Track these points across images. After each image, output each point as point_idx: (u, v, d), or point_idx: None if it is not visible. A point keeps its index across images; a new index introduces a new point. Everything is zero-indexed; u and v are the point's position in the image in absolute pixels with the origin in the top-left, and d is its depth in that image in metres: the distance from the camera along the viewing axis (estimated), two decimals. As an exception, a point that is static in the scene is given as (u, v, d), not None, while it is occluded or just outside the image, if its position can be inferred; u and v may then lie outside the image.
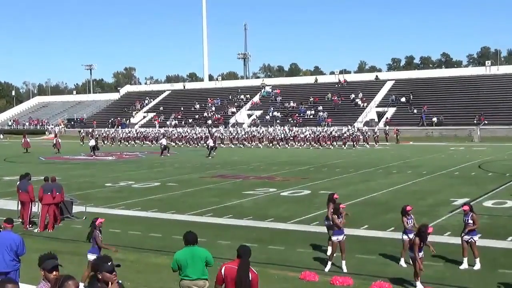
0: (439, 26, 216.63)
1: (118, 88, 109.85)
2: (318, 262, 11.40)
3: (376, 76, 78.18)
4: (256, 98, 78.13)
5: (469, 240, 10.88)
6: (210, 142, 40.36)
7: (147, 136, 59.29)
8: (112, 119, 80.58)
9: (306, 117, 67.90)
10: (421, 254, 9.49)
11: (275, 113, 70.72)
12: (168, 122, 73.59)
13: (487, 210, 16.90)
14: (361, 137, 49.08)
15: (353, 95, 70.33)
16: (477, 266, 10.77)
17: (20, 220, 15.72)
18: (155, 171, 30.04)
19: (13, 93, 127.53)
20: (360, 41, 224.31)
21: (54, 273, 5.20)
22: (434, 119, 59.01)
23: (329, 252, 11.39)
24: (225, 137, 54.23)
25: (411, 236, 10.25)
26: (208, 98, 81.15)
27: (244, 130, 56.05)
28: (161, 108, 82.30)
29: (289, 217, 16.23)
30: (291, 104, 72.33)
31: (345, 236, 10.96)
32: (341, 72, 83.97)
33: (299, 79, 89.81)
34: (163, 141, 43.21)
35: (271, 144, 50.14)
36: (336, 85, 75.87)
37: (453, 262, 11.11)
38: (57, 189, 15.53)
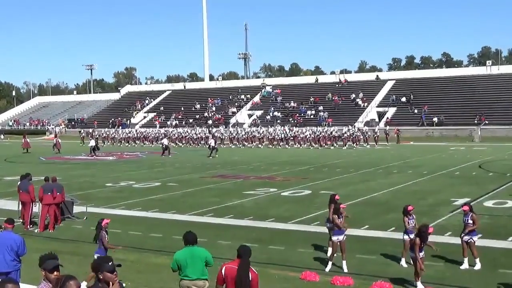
0: (439, 26, 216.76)
1: (119, 88, 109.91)
2: (319, 262, 11.40)
3: (377, 76, 78.16)
4: (257, 98, 78.13)
5: (469, 240, 10.88)
6: (212, 142, 40.39)
7: (147, 137, 59.31)
8: (112, 119, 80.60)
9: (306, 117, 67.88)
10: (421, 254, 9.50)
11: (275, 113, 70.71)
12: (168, 122, 73.60)
13: (488, 210, 16.91)
14: (361, 137, 49.09)
15: (353, 95, 70.32)
16: (478, 266, 10.77)
17: (21, 220, 15.73)
18: (155, 171, 30.06)
19: (14, 93, 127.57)
20: (360, 41, 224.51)
21: (55, 273, 5.21)
22: (435, 119, 58.99)
23: (329, 253, 11.40)
24: (225, 137, 54.23)
25: (412, 236, 10.26)
26: (209, 98, 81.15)
27: (244, 130, 56.05)
28: (162, 108, 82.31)
29: (290, 217, 16.24)
30: (292, 104, 72.32)
31: (345, 236, 10.96)
32: (341, 72, 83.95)
33: (300, 79, 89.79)
34: (165, 141, 43.25)
35: (271, 145, 50.14)
36: (337, 85, 75.86)
37: (454, 262, 11.12)
38: (57, 189, 15.54)
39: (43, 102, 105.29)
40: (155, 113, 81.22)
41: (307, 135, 50.16)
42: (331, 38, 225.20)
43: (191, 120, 73.64)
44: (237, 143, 52.50)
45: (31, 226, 15.58)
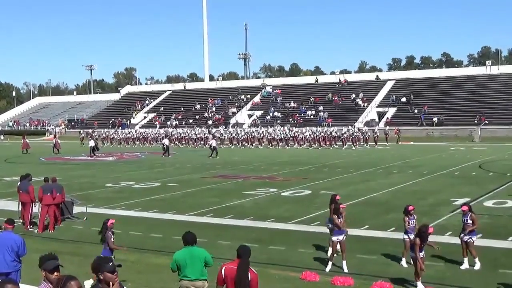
0: (439, 26, 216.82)
1: (119, 89, 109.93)
2: (319, 262, 11.40)
3: (377, 76, 78.17)
4: (257, 98, 78.13)
5: (468, 240, 10.88)
6: (213, 143, 40.40)
7: (147, 137, 59.30)
8: (112, 119, 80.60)
9: (306, 117, 67.88)
10: (422, 254, 9.50)
11: (275, 113, 70.72)
12: (168, 123, 73.63)
13: (488, 210, 16.91)
14: (361, 137, 49.10)
15: (353, 95, 70.32)
16: (477, 266, 10.77)
17: (21, 221, 15.72)
18: (155, 172, 30.06)
19: (14, 93, 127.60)
20: (360, 41, 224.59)
21: (56, 273, 5.20)
22: (435, 119, 58.99)
23: (329, 253, 11.40)
24: (225, 138, 54.22)
25: (412, 236, 10.26)
26: (209, 98, 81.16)
27: (244, 131, 56.06)
28: (162, 109, 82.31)
29: (290, 217, 16.23)
30: (292, 104, 72.32)
31: (345, 236, 10.96)
32: (341, 72, 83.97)
33: (300, 79, 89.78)
34: (166, 141, 43.27)
35: (270, 145, 50.13)
36: (337, 85, 75.86)
37: (454, 262, 11.11)
38: (57, 190, 15.54)
39: (43, 103, 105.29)
40: (155, 114, 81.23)
41: (306, 135, 50.17)
42: (331, 38, 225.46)
43: (191, 121, 73.64)
44: (237, 144, 52.51)
45: (31, 226, 15.57)
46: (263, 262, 11.04)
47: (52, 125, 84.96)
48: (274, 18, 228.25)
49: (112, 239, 9.82)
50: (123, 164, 36.03)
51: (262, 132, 53.15)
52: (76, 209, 17.19)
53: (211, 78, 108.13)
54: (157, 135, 59.28)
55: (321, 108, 68.85)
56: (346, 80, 76.70)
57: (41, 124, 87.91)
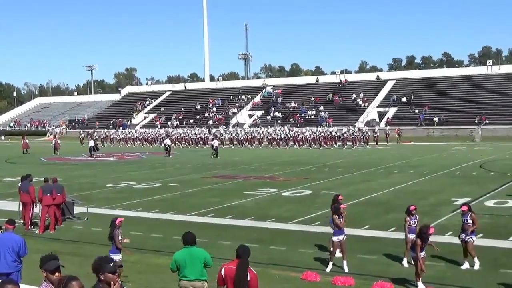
0: (440, 25, 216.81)
1: (119, 89, 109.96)
2: (320, 262, 11.40)
3: (377, 76, 78.15)
4: (257, 99, 78.13)
5: (468, 240, 10.87)
6: (215, 143, 40.44)
7: (147, 138, 59.31)
8: (113, 120, 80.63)
9: (307, 117, 67.89)
10: (423, 254, 9.50)
11: (276, 113, 70.72)
12: (169, 123, 73.66)
13: (489, 209, 16.89)
14: (360, 137, 49.09)
15: (354, 95, 70.32)
16: (477, 265, 10.76)
17: (22, 221, 15.73)
18: (156, 172, 30.06)
19: (14, 94, 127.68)
20: (361, 41, 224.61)
21: (57, 274, 5.20)
22: (435, 119, 58.97)
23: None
24: (225, 138, 54.22)
25: (413, 236, 10.26)
26: (209, 99, 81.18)
27: (244, 131, 56.08)
28: (162, 109, 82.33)
29: (291, 217, 16.23)
30: (292, 104, 72.33)
31: (345, 236, 10.96)
32: (342, 72, 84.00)
33: (300, 79, 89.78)
34: (167, 142, 43.28)
35: (270, 145, 50.14)
36: (337, 85, 75.87)
37: (455, 262, 11.10)
38: (57, 190, 15.55)
39: (44, 103, 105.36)
40: (155, 114, 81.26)
41: (306, 135, 50.18)
42: (331, 38, 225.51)
43: (191, 121, 73.67)
44: (237, 144, 52.51)
45: (31, 227, 15.58)
46: (263, 262, 11.05)
47: (53, 126, 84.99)
48: (275, 18, 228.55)
49: (119, 237, 9.84)
50: (124, 164, 36.04)
51: (262, 132, 53.16)
52: (77, 210, 17.19)
53: (212, 78, 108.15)
54: (157, 135, 59.31)
55: (321, 108, 68.86)
56: (346, 80, 76.71)
57: (41, 125, 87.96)
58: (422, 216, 13.91)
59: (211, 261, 7.80)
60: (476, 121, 56.23)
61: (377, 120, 62.98)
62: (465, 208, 11.12)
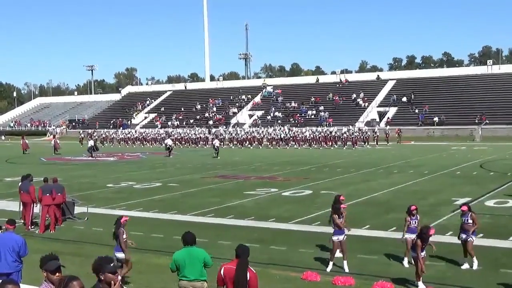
0: (440, 25, 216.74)
1: (120, 89, 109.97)
2: (320, 262, 11.40)
3: (378, 75, 78.14)
4: (258, 98, 78.14)
5: (468, 240, 10.87)
6: (216, 143, 40.47)
7: (147, 138, 59.31)
8: (113, 120, 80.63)
9: (307, 117, 67.89)
10: (423, 254, 9.51)
11: (276, 113, 70.72)
12: (169, 123, 73.67)
13: (489, 209, 16.89)
14: (360, 136, 49.07)
15: (354, 95, 70.31)
16: (475, 265, 10.75)
17: (22, 221, 15.73)
18: (156, 172, 30.07)
19: (15, 94, 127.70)
20: (361, 41, 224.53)
21: (57, 274, 5.20)
22: (436, 118, 58.97)
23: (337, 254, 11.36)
24: (225, 138, 54.23)
25: (413, 236, 10.27)
26: (210, 99, 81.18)
27: (244, 131, 56.09)
28: (163, 109, 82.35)
29: (291, 217, 16.23)
30: (293, 104, 72.33)
31: (345, 236, 10.96)
32: (342, 72, 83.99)
33: (300, 79, 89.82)
34: (168, 141, 43.28)
35: (270, 145, 50.14)
36: (337, 85, 75.87)
37: (455, 262, 11.10)
38: (58, 190, 15.55)
39: (44, 103, 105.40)
40: (156, 114, 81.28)
41: (306, 135, 50.18)
42: (331, 38, 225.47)
43: (191, 121, 73.68)
44: (237, 144, 52.51)
45: (32, 227, 15.58)
46: (264, 262, 11.05)
47: (53, 126, 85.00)
48: (275, 18, 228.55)
49: (124, 235, 9.84)
50: (124, 164, 36.04)
51: (262, 132, 53.17)
52: (77, 209, 17.19)
53: (212, 78, 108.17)
54: (156, 135, 59.31)
55: (321, 108, 68.85)
56: (346, 80, 76.70)
57: (42, 125, 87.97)
58: (422, 216, 13.89)
59: (211, 261, 7.80)
60: (476, 121, 56.22)
61: (377, 120, 62.98)
62: (465, 208, 11.13)
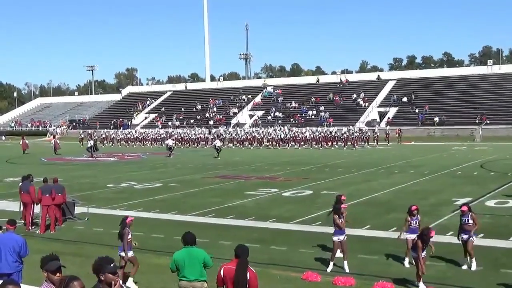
0: (440, 25, 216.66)
1: (120, 89, 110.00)
2: (320, 263, 11.39)
3: (378, 76, 78.11)
4: (258, 99, 78.13)
5: (468, 239, 10.86)
6: (217, 143, 40.46)
7: (147, 138, 59.30)
8: (114, 120, 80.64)
9: (307, 117, 67.88)
10: (423, 254, 9.51)
11: (276, 113, 70.72)
12: (170, 123, 73.69)
13: (489, 209, 16.89)
14: (360, 137, 49.06)
15: (354, 95, 70.30)
16: (473, 266, 10.74)
17: (23, 221, 15.73)
18: (157, 172, 30.07)
19: (15, 94, 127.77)
20: (361, 41, 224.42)
21: (58, 274, 5.20)
22: (436, 118, 58.94)
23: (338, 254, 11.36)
24: (224, 138, 54.22)
25: (413, 236, 10.26)
26: (210, 99, 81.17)
27: (244, 131, 56.09)
28: (163, 109, 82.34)
29: (291, 217, 16.23)
30: (293, 104, 72.32)
31: (346, 237, 10.95)
32: (342, 72, 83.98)
33: (301, 79, 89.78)
34: (169, 142, 43.29)
35: (270, 145, 50.12)
36: (338, 85, 75.85)
37: (455, 262, 11.10)
38: (58, 190, 15.55)
39: (45, 103, 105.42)
40: (156, 114, 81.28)
41: (306, 135, 50.19)
42: (332, 38, 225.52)
43: (192, 121, 73.68)
44: (238, 144, 52.51)
45: (32, 227, 15.58)
46: (264, 263, 11.05)
47: (53, 126, 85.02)
48: (275, 18, 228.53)
49: (129, 235, 9.85)
50: (125, 164, 36.05)
51: (262, 132, 53.17)
52: (78, 210, 17.20)
53: (212, 78, 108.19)
54: (156, 135, 59.31)
55: (322, 108, 68.83)
56: (347, 80, 76.69)
57: (42, 125, 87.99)
58: (423, 216, 13.88)
59: (211, 261, 7.79)
60: (477, 121, 56.20)
61: (378, 120, 62.96)
62: (465, 208, 11.11)
